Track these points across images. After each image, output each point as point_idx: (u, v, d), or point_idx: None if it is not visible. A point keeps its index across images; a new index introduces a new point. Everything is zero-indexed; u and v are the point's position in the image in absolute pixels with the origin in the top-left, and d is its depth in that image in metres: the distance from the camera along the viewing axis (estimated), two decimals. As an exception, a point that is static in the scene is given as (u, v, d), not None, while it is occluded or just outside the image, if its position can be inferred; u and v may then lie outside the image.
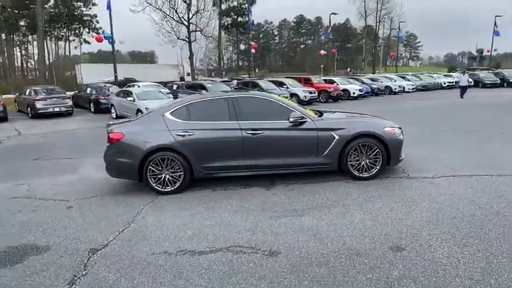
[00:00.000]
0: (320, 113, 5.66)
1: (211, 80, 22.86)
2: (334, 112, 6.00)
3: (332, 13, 35.01)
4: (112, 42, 22.56)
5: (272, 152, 5.18)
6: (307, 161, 5.23)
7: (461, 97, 20.18)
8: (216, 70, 74.34)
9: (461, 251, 3.12)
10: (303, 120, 5.17)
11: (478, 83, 30.63)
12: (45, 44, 33.38)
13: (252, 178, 5.50)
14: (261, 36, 51.38)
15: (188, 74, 52.63)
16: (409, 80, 29.59)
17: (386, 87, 26.97)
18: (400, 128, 5.48)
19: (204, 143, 5.11)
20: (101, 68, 41.97)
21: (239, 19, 40.00)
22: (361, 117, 5.69)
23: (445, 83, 30.96)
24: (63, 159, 8.36)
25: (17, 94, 20.41)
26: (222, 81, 22.32)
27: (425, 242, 3.32)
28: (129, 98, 14.88)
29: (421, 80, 30.86)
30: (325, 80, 24.16)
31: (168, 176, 5.15)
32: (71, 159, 8.23)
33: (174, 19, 32.00)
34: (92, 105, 18.52)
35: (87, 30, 34.54)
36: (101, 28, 34.38)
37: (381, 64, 62.36)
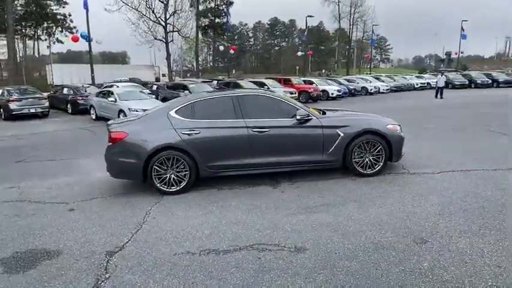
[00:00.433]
0: (323, 111, 5.73)
1: (191, 80, 22.58)
2: (337, 110, 6.09)
3: (308, 16, 35.57)
4: (89, 42, 21.81)
5: (278, 150, 5.18)
6: (313, 158, 5.28)
7: (441, 97, 20.97)
8: (192, 71, 73.59)
9: (482, 241, 3.24)
10: (309, 118, 5.22)
11: (448, 84, 31.96)
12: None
13: (256, 177, 5.47)
14: (236, 38, 51.40)
15: (164, 75, 51.83)
16: (383, 81, 30.52)
17: (363, 88, 27.70)
18: (399, 126, 5.64)
19: (210, 141, 5.04)
20: (72, 68, 40.52)
21: (216, 20, 39.83)
22: (364, 115, 5.81)
23: (417, 84, 32.17)
24: (49, 161, 7.99)
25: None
26: (202, 82, 22.10)
27: (445, 234, 3.43)
28: (110, 99, 14.45)
29: (394, 81, 31.91)
30: (304, 81, 24.47)
31: (173, 176, 5.04)
32: (58, 161, 7.89)
33: (151, 19, 31.43)
34: (69, 106, 17.82)
35: (60, 29, 32.99)
36: (75, 27, 33.15)
37: (354, 66, 63.88)
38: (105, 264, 3.21)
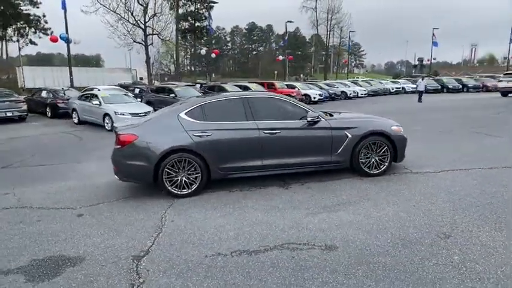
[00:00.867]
0: (329, 113, 5.83)
1: (175, 84, 22.27)
2: (341, 113, 6.22)
3: (288, 21, 36.06)
4: (68, 44, 21.11)
5: (289, 151, 5.24)
6: (322, 159, 5.36)
7: (419, 101, 21.73)
8: (169, 75, 72.58)
9: (501, 234, 3.42)
10: (318, 119, 5.31)
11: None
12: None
13: (264, 178, 5.50)
14: (213, 42, 51.17)
15: (141, 78, 50.88)
16: (361, 86, 31.36)
17: (342, 92, 28.34)
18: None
19: (222, 143, 5.02)
20: (46, 71, 39.01)
21: (197, 24, 39.62)
22: (369, 117, 5.96)
23: (393, 89, 33.27)
24: (38, 166, 7.68)
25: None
26: (186, 85, 21.87)
27: (464, 229, 3.59)
28: (94, 102, 14.05)
29: (371, 86, 32.86)
30: (287, 85, 24.75)
31: (184, 179, 4.98)
32: (48, 166, 7.59)
33: (129, 22, 30.86)
34: (48, 109, 17.17)
35: (33, 30, 31.46)
36: (49, 29, 31.97)
37: (331, 71, 65.26)
38: (136, 269, 3.13)
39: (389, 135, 5.48)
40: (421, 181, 5.22)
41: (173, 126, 5.01)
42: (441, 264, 2.96)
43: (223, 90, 20.18)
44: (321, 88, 27.04)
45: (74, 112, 15.51)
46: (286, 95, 22.69)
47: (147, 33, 31.68)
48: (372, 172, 5.48)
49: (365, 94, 29.65)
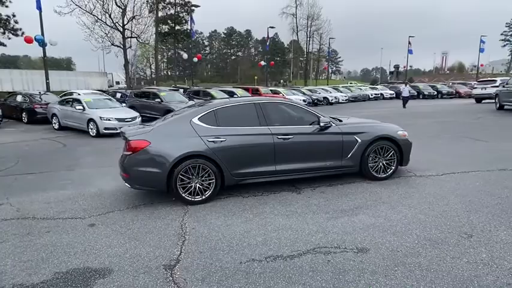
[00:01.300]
0: (338, 119, 5.93)
1: (157, 88, 21.89)
2: (348, 118, 6.33)
3: (270, 27, 36.41)
4: (43, 46, 20.31)
5: (301, 156, 5.28)
6: (333, 164, 5.45)
7: (403, 106, 22.21)
8: (145, 79, 71.37)
9: (520, 232, 3.59)
10: (329, 125, 5.39)
11: (398, 95, 34.44)
12: None
13: (275, 184, 5.52)
14: (191, 46, 50.47)
15: (118, 83, 49.77)
16: (342, 92, 32.06)
17: (324, 98, 28.86)
18: None
19: (237, 149, 5.00)
20: (14, 74, 37.30)
21: (177, 27, 39.21)
22: (376, 122, 6.11)
23: (372, 95, 34.20)
24: (27, 174, 7.35)
25: None
26: (170, 90, 21.56)
27: (483, 228, 3.75)
28: (78, 107, 13.60)
29: (351, 92, 33.65)
30: (271, 91, 24.94)
31: (198, 185, 4.91)
32: (38, 175, 7.32)
33: (107, 24, 30.17)
34: (24, 115, 16.46)
35: (1, 30, 29.55)
36: (20, 29, 30.64)
37: (311, 77, 66.36)
38: (172, 278, 3.05)
39: (396, 139, 5.64)
40: (428, 184, 5.40)
41: (186, 132, 4.95)
42: (472, 262, 3.07)
43: (209, 95, 20.09)
44: (304, 94, 27.42)
45: (54, 117, 14.98)
46: (270, 100, 22.97)
47: (126, 36, 31.06)
48: (379, 176, 5.62)
49: (346, 100, 30.32)
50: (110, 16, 29.82)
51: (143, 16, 31.91)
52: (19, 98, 17.59)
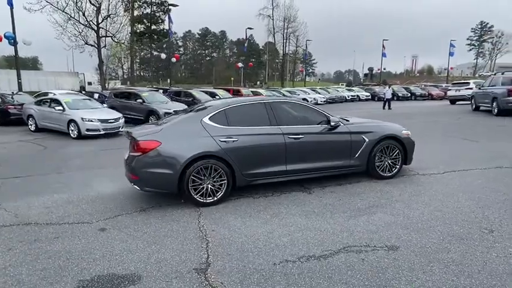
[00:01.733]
0: (344, 118, 5.98)
1: (134, 89, 21.27)
2: (352, 117, 6.39)
3: (248, 28, 36.41)
4: (15, 45, 19.27)
5: (312, 156, 5.28)
6: (342, 163, 5.48)
7: (389, 108, 22.24)
8: (116, 79, 69.36)
9: (536, 226, 3.75)
10: (338, 124, 5.43)
11: (374, 97, 35.46)
12: None
13: (283, 184, 5.47)
14: (164, 46, 49.50)
15: (90, 83, 48.06)
16: (320, 93, 32.58)
17: (303, 99, 29.16)
18: None
19: (248, 149, 4.92)
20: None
21: (153, 27, 38.36)
22: (381, 122, 6.20)
23: (348, 97, 34.97)
24: (14, 178, 6.98)
25: None
26: (151, 90, 21.04)
27: (501, 223, 3.88)
28: (57, 108, 13.01)
29: (329, 93, 34.27)
30: (252, 92, 24.93)
31: (210, 186, 4.79)
32: (25, 178, 6.99)
33: (80, 22, 29.03)
34: (-4, 116, 15.54)
35: None
36: (-14, 26, 28.90)
37: (287, 78, 66.98)
38: (208, 282, 2.94)
39: (400, 139, 5.76)
40: (433, 182, 5.55)
41: (197, 132, 4.82)
42: (502, 256, 3.17)
43: (191, 96, 19.81)
44: (284, 95, 27.61)
45: (31, 119, 14.25)
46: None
47: (100, 35, 30.03)
48: (385, 175, 5.71)
49: (324, 101, 30.81)
50: (83, 14, 28.69)
51: (118, 15, 30.97)
52: (-11, 98, 16.58)
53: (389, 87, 24.54)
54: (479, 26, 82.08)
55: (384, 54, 42.16)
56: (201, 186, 4.76)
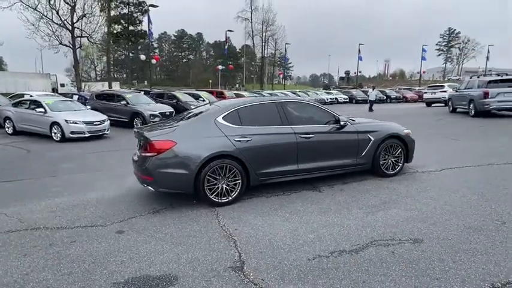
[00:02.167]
0: (351, 119, 6.11)
1: (112, 90, 20.74)
2: (355, 117, 6.54)
3: (228, 30, 36.39)
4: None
5: (322, 155, 5.37)
6: (349, 162, 5.61)
7: (371, 110, 22.86)
8: (89, 81, 67.21)
9: (543, 218, 4.00)
10: (346, 124, 5.56)
11: (352, 99, 36.34)
12: None
13: (292, 183, 5.52)
14: (139, 48, 48.70)
15: (62, 85, 46.37)
16: (300, 96, 32.97)
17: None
18: None
19: (262, 148, 4.95)
20: None
21: (130, 28, 37.48)
22: (383, 122, 6.38)
23: (327, 99, 35.62)
24: (4, 183, 6.67)
25: None
26: (134, 92, 20.60)
27: (511, 214, 4.10)
28: (38, 110, 12.50)
29: (308, 96, 34.79)
30: (235, 94, 24.93)
31: (224, 186, 4.78)
32: (16, 182, 6.80)
33: (54, 22, 27.98)
34: (-31, 118, 14.65)
35: None
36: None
37: (267, 81, 67.39)
38: (249, 280, 2.95)
39: (403, 137, 5.97)
40: (434, 179, 5.78)
41: (212, 132, 4.80)
42: (520, 246, 3.37)
43: (175, 98, 19.57)
44: (265, 97, 27.80)
45: (8, 121, 13.59)
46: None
47: (75, 35, 29.07)
48: (389, 172, 5.89)
49: (304, 103, 31.17)
50: (57, 13, 27.66)
51: (94, 14, 30.08)
52: (-40, 100, 15.66)
53: (373, 90, 25.13)
54: (447, 33, 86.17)
55: (360, 58, 43.36)
56: (216, 186, 4.74)
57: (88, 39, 30.34)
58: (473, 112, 14.50)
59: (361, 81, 64.22)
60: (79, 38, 29.55)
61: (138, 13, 37.84)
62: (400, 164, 6.00)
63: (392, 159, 5.93)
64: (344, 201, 4.85)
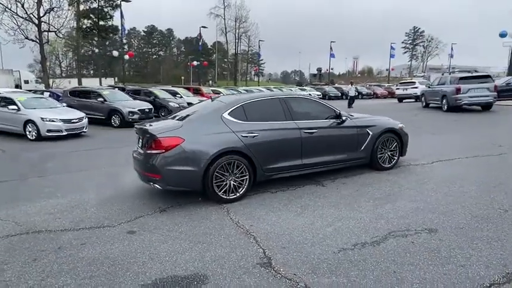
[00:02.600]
0: (350, 114, 6.22)
1: (84, 87, 19.88)
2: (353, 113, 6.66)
3: (202, 26, 35.88)
4: None
5: (325, 149, 5.44)
6: (350, 156, 5.72)
7: (350, 106, 23.03)
8: (54, 77, 64.21)
9: (541, 205, 4.27)
10: (346, 119, 5.66)
11: (325, 96, 36.98)
12: None
13: (294, 178, 5.55)
14: (107, 43, 46.78)
15: (26, 81, 43.98)
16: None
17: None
18: None
19: (268, 144, 4.95)
20: None
21: (101, 23, 36.00)
22: (380, 116, 6.55)
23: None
24: None
25: None
26: (110, 88, 19.85)
27: (510, 203, 4.34)
28: (10, 107, 11.80)
29: (283, 92, 35.01)
30: (212, 91, 24.71)
31: (232, 182, 4.74)
32: (1, 184, 6.26)
33: (19, 15, 26.46)
34: None
35: None
36: None
37: (240, 78, 67.16)
38: (281, 275, 2.94)
39: (398, 132, 6.16)
40: (429, 171, 6.01)
41: (219, 128, 4.73)
42: (527, 232, 3.58)
43: (152, 94, 19.11)
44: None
45: (-25, 119, 12.70)
46: (214, 100, 22.77)
47: (42, 30, 27.65)
48: (386, 166, 6.06)
49: (280, 100, 31.40)
50: (22, 6, 26.19)
51: (63, 8, 28.73)
52: None
53: (352, 86, 25.59)
54: (413, 31, 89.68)
55: (332, 55, 44.25)
56: (224, 183, 4.68)
57: (56, 33, 28.94)
58: (446, 107, 15.19)
59: (332, 78, 65.65)
60: (46, 33, 28.16)
61: (109, 8, 36.49)
62: (396, 158, 6.19)
63: (389, 153, 6.11)
64: (350, 194, 4.94)
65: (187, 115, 5.11)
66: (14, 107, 11.81)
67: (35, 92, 19.43)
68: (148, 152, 4.61)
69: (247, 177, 4.83)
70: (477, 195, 4.69)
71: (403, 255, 3.18)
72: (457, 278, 2.80)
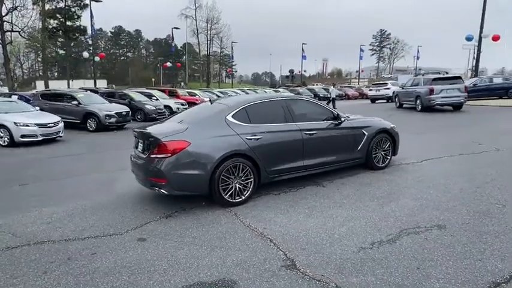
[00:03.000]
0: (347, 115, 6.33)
1: (54, 90, 18.99)
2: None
3: (174, 27, 35.38)
4: None
5: (324, 150, 5.52)
6: (348, 156, 5.84)
7: (333, 107, 23.47)
8: (20, 80, 61.04)
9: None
10: (343, 120, 5.78)
11: (300, 97, 37.47)
12: None
13: (294, 180, 5.59)
14: (72, 44, 44.84)
15: (-15, 84, 41.54)
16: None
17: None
18: None
19: (272, 146, 4.96)
20: None
21: (68, 23, 34.43)
22: (373, 118, 6.71)
23: (277, 97, 36.31)
24: None
25: None
26: (84, 91, 19.07)
27: (506, 198, 4.58)
28: (-20, 111, 11.07)
29: (258, 94, 35.21)
30: (188, 93, 24.39)
31: (237, 185, 4.71)
32: None
33: (-22, 13, 24.91)
34: None
35: None
36: None
37: (211, 79, 66.62)
38: (310, 277, 2.95)
39: (390, 132, 6.36)
40: (421, 169, 6.24)
41: (223, 130, 4.69)
42: (529, 226, 3.81)
43: (127, 97, 18.63)
44: (218, 96, 27.56)
45: None
46: (191, 102, 22.48)
47: (5, 30, 26.19)
48: (380, 165, 6.24)
49: (256, 102, 31.51)
50: (-17, 4, 24.69)
51: (27, 8, 27.33)
52: None
53: (333, 87, 26.01)
54: (379, 34, 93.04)
55: (304, 57, 44.98)
56: (229, 186, 4.64)
57: (20, 34, 27.51)
58: (420, 107, 15.87)
59: (304, 80, 66.73)
60: (9, 33, 26.71)
61: (77, 7, 34.97)
62: (389, 157, 6.39)
63: (382, 153, 6.30)
64: (352, 194, 5.04)
65: (189, 118, 5.02)
66: (-17, 111, 11.10)
67: (0, 95, 18.34)
68: (153, 156, 4.48)
69: (252, 179, 4.81)
70: (473, 192, 4.93)
71: (421, 252, 3.28)
72: (478, 271, 2.93)
